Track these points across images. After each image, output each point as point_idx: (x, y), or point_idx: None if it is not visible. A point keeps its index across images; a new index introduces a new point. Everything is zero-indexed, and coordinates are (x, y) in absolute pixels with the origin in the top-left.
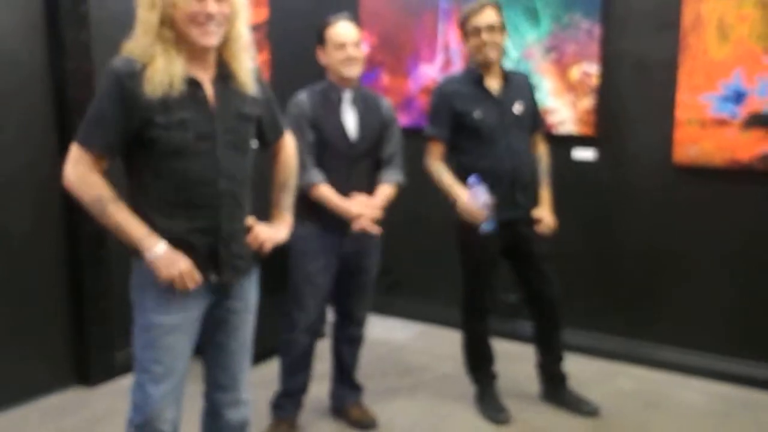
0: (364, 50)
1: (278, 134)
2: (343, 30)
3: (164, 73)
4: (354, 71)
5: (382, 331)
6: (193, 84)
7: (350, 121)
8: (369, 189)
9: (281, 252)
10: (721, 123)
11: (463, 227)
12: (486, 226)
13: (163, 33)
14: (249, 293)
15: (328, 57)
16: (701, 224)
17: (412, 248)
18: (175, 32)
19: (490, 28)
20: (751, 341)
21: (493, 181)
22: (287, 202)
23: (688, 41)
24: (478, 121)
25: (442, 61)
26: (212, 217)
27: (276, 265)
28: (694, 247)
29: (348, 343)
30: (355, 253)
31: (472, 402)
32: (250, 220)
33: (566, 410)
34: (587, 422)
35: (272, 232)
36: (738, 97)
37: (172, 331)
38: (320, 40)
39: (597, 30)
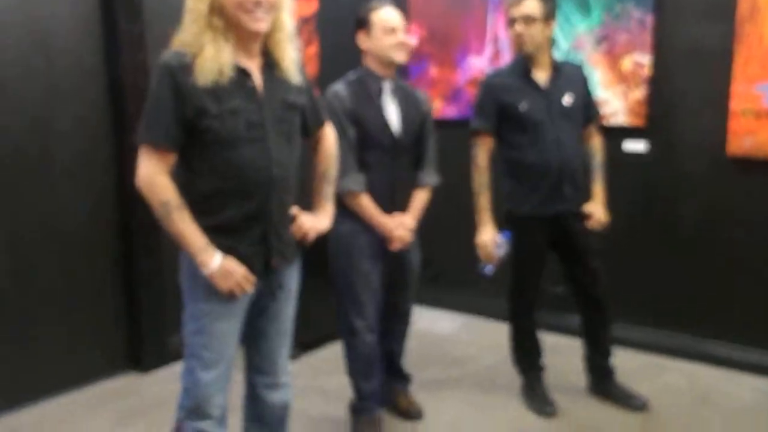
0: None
1: (320, 124)
2: (392, 15)
3: (214, 61)
4: (403, 56)
5: (426, 323)
6: (242, 73)
7: (392, 113)
8: (412, 185)
9: (322, 247)
10: None
11: (509, 217)
12: (488, 269)
13: (212, 21)
14: (291, 281)
15: (373, 42)
16: (755, 217)
17: (454, 239)
18: (224, 20)
19: (526, 19)
20: None
21: (539, 173)
22: (329, 191)
23: (744, 30)
24: (523, 113)
25: (491, 53)
26: (263, 205)
27: (318, 257)
28: (747, 240)
29: (394, 334)
30: (401, 249)
31: (516, 394)
32: (295, 210)
33: (614, 404)
34: (635, 417)
35: (315, 222)
36: None
37: (221, 318)
38: (363, 24)
39: (649, 19)
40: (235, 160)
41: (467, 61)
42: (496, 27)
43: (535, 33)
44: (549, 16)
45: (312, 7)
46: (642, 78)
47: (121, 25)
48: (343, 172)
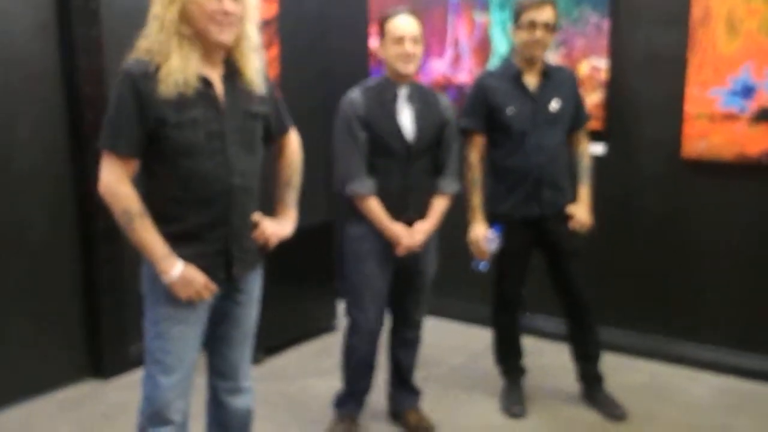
0: (422, 46)
1: (283, 130)
2: (402, 23)
3: (180, 71)
4: (410, 68)
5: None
6: (205, 82)
7: (406, 119)
8: (428, 191)
9: (286, 252)
10: (730, 117)
11: (490, 218)
12: (482, 266)
13: (180, 29)
14: (254, 286)
15: (385, 51)
16: (710, 219)
17: None
18: (193, 29)
19: (546, 27)
20: (759, 335)
21: (518, 177)
22: (292, 198)
23: (697, 36)
24: (509, 118)
25: (452, 56)
26: (224, 214)
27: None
28: (702, 241)
29: (405, 347)
30: (411, 256)
31: (483, 394)
32: (257, 216)
33: (596, 411)
34: (597, 415)
35: (278, 228)
36: (747, 91)
37: (182, 323)
38: (381, 33)
39: (606, 24)
40: (196, 170)
41: (428, 64)
42: (457, 30)
43: (549, 40)
44: (556, 25)
45: (272, 9)
46: (599, 82)
47: (78, 30)
48: (351, 175)
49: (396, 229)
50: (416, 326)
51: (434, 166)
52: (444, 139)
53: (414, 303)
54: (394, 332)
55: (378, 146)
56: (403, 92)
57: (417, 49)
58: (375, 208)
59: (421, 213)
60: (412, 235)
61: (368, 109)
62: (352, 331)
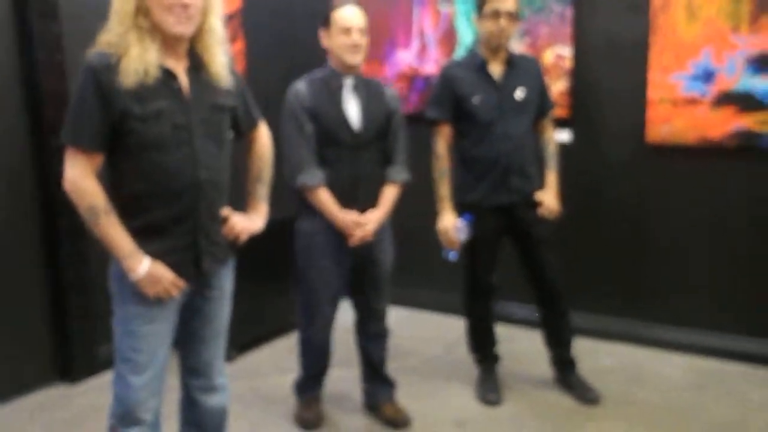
0: (368, 37)
1: (252, 124)
2: (349, 14)
3: (139, 61)
4: (357, 59)
5: None
6: (168, 74)
7: (352, 109)
8: (378, 180)
9: (258, 247)
10: (692, 102)
11: (459, 208)
12: (452, 255)
13: (138, 21)
14: (225, 282)
15: (331, 41)
16: (676, 202)
17: (393, 232)
18: (150, 21)
19: (510, 16)
20: (725, 314)
21: (486, 165)
22: (263, 192)
23: (658, 21)
24: (475, 107)
25: (418, 47)
26: (191, 207)
27: (254, 258)
28: (668, 224)
29: (374, 340)
30: (365, 246)
31: (458, 384)
32: (226, 211)
33: (570, 395)
34: (571, 399)
35: (248, 223)
36: (707, 76)
37: (151, 320)
38: (325, 22)
39: (569, 12)
40: (161, 163)
41: (395, 55)
42: (422, 21)
43: (513, 29)
44: (519, 14)
45: (236, 3)
46: (564, 70)
47: (37, 24)
48: (300, 167)
49: (347, 218)
50: (380, 317)
51: (383, 156)
52: (391, 129)
53: (374, 293)
54: (360, 326)
55: (325, 137)
56: (348, 83)
57: (364, 41)
58: (325, 198)
59: (372, 202)
60: (363, 224)
61: (314, 100)
62: (306, 326)
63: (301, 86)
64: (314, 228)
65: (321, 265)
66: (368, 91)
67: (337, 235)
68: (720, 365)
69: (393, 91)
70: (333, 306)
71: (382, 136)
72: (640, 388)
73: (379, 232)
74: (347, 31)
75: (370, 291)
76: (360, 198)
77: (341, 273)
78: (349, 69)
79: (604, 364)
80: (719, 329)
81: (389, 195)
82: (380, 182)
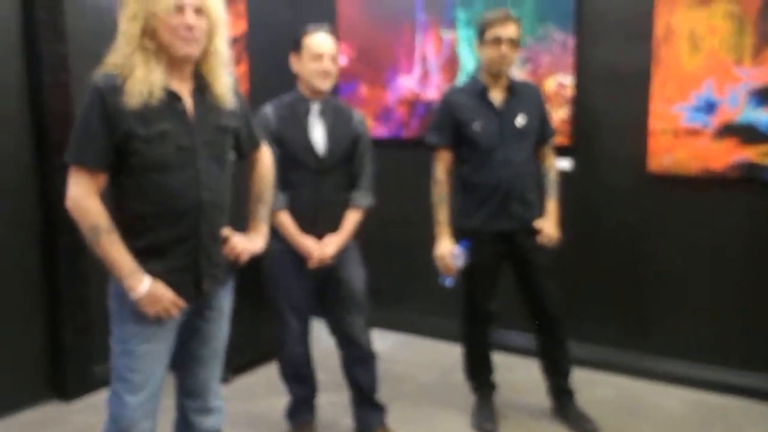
0: (339, 64)
1: (255, 146)
2: (321, 41)
3: (144, 82)
4: (326, 85)
5: None
6: (172, 96)
7: (318, 134)
8: (341, 205)
9: (257, 268)
10: (694, 133)
11: (457, 234)
12: (448, 281)
13: (144, 43)
14: (224, 302)
15: (302, 66)
16: (677, 233)
17: (387, 258)
18: (156, 43)
19: (511, 42)
20: (727, 348)
21: (487, 192)
22: (263, 213)
23: (660, 52)
24: (476, 134)
25: (420, 73)
26: (193, 228)
27: (252, 279)
28: (669, 255)
29: (358, 364)
30: (325, 267)
31: (453, 411)
32: (227, 231)
33: (568, 427)
34: (566, 429)
35: (248, 243)
36: (709, 107)
37: (149, 340)
38: (296, 47)
39: (570, 41)
40: (164, 184)
41: (397, 80)
42: (425, 47)
43: (514, 56)
44: (520, 41)
45: (241, 26)
46: (565, 98)
47: (44, 45)
48: None
49: (306, 242)
50: (357, 342)
51: (348, 180)
52: (357, 154)
53: (346, 316)
54: (341, 350)
55: (290, 161)
56: (315, 107)
57: (334, 67)
58: (286, 222)
59: (333, 227)
60: (322, 248)
61: (280, 124)
62: (279, 345)
63: (268, 110)
64: (282, 249)
65: (286, 283)
66: (335, 115)
67: (298, 256)
68: (720, 399)
69: (360, 116)
70: (301, 321)
71: (348, 161)
72: (639, 420)
73: (341, 255)
74: (318, 57)
75: (340, 313)
76: (319, 223)
77: (306, 292)
78: (318, 94)
79: (603, 395)
80: (720, 362)
81: (351, 219)
82: (343, 207)
